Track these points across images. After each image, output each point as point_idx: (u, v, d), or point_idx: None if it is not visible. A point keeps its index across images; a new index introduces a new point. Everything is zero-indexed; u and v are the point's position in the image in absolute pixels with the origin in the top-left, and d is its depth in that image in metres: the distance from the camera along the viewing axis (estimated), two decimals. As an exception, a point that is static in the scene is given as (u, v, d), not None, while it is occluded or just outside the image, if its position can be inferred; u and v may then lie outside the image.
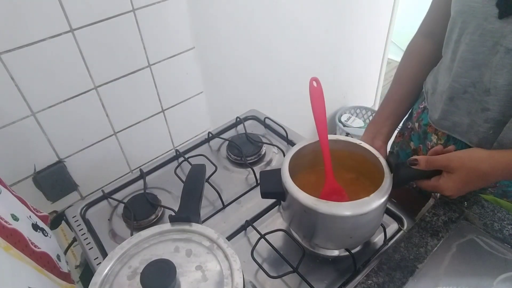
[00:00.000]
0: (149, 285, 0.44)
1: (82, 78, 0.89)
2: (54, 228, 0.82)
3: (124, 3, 0.87)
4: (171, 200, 0.83)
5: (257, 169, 0.87)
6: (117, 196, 0.85)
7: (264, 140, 0.95)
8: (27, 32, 0.77)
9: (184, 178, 0.67)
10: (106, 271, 0.50)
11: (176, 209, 0.61)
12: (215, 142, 0.99)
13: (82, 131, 0.96)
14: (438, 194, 0.71)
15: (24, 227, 0.58)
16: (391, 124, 0.77)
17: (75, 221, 0.79)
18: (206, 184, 0.79)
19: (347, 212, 0.55)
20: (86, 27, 0.84)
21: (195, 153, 0.93)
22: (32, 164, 0.90)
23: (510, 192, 0.70)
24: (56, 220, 0.82)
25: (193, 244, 0.52)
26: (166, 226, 0.55)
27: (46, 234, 0.66)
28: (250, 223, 0.74)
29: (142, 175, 0.88)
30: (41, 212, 0.71)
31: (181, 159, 0.93)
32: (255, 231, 0.71)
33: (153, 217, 0.77)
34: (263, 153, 0.92)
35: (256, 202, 0.79)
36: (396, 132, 0.81)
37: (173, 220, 0.55)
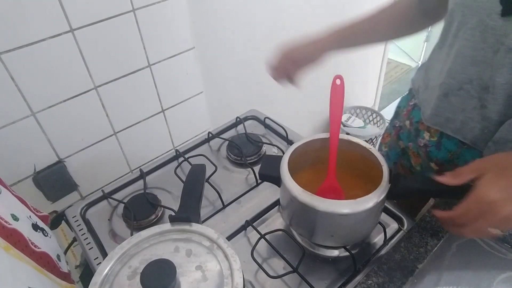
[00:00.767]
0: (149, 285, 0.44)
1: (82, 78, 0.89)
2: (54, 228, 0.82)
3: (124, 3, 0.87)
4: (171, 200, 0.83)
5: (257, 169, 0.87)
6: (117, 196, 0.85)
7: (264, 140, 0.95)
8: (27, 32, 0.77)
9: (184, 178, 0.67)
10: (106, 271, 0.50)
11: (176, 209, 0.61)
12: (215, 142, 0.99)
13: (82, 131, 0.96)
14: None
15: (24, 227, 0.58)
16: (335, 38, 0.76)
17: (75, 221, 0.79)
18: (206, 184, 0.79)
19: (345, 210, 0.56)
20: (86, 27, 0.84)
21: (195, 153, 0.93)
22: (32, 164, 0.91)
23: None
24: (56, 220, 0.82)
25: (193, 244, 0.52)
26: (166, 226, 0.55)
27: (46, 234, 0.65)
28: (250, 223, 0.74)
29: (142, 175, 0.88)
30: (41, 212, 0.71)
31: (181, 159, 0.93)
32: (255, 231, 0.71)
33: (153, 217, 0.77)
34: (263, 153, 0.92)
35: (256, 202, 0.79)
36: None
37: (173, 220, 0.55)
